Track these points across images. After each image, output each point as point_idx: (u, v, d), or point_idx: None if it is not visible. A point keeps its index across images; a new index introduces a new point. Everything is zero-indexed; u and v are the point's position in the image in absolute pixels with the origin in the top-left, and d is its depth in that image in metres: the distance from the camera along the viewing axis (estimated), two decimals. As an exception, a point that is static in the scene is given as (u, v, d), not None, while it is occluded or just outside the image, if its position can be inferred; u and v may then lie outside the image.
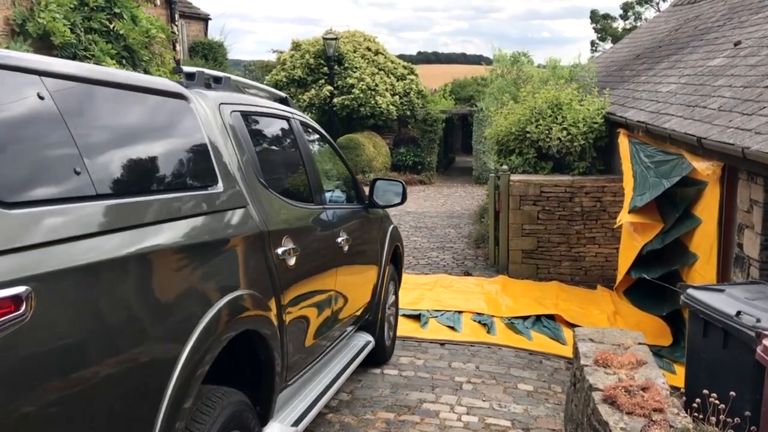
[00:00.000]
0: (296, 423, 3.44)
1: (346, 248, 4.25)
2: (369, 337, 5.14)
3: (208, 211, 2.71)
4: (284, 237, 3.30)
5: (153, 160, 2.55)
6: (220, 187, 2.85)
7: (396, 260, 5.76)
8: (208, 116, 2.99)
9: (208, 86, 3.33)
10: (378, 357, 5.46)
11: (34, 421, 1.72)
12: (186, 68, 3.39)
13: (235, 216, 2.91)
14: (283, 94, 4.51)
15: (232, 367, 2.86)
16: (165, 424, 2.20)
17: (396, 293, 5.90)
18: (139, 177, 2.42)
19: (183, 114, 2.83)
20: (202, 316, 2.44)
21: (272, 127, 3.87)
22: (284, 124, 3.98)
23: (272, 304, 3.07)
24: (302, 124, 4.25)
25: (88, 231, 1.99)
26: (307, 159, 4.10)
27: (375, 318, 5.20)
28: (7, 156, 1.82)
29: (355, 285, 4.60)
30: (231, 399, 2.65)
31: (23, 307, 1.65)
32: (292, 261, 3.32)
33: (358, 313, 4.77)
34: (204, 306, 2.47)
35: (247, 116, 3.40)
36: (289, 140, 4.01)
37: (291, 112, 4.15)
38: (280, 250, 3.21)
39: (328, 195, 4.40)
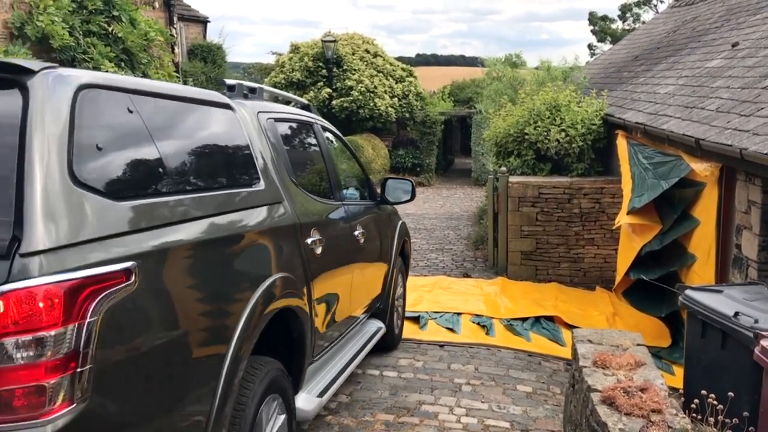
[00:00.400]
0: (321, 394, 3.89)
1: (361, 240, 4.70)
2: (380, 324, 5.52)
3: (254, 205, 3.18)
4: (312, 229, 3.74)
5: (210, 161, 3.03)
6: (261, 184, 3.32)
7: (404, 254, 6.19)
8: (248, 123, 3.44)
9: (245, 96, 3.78)
10: (388, 342, 5.83)
11: (139, 361, 2.21)
12: (228, 81, 3.81)
13: (274, 209, 3.38)
14: (305, 101, 5.02)
15: (269, 344, 3.18)
16: (234, 362, 2.70)
17: (404, 285, 6.33)
18: (202, 176, 2.88)
19: (230, 122, 3.28)
20: (253, 293, 2.91)
21: (299, 132, 4.35)
22: (308, 129, 4.47)
23: (304, 287, 3.52)
24: (323, 128, 4.74)
25: (174, 219, 2.49)
26: (328, 159, 4.58)
27: (385, 306, 5.60)
28: (111, 158, 2.31)
29: (369, 275, 5.03)
30: (273, 366, 3.10)
31: (132, 278, 2.13)
32: (318, 250, 3.76)
33: (371, 301, 5.19)
34: (253, 286, 2.95)
35: (279, 122, 3.87)
36: (312, 143, 4.49)
37: (313, 118, 4.65)
38: (309, 240, 3.66)
39: (344, 192, 4.81)
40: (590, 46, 40.48)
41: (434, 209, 15.01)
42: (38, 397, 1.89)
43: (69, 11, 7.89)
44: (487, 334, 6.72)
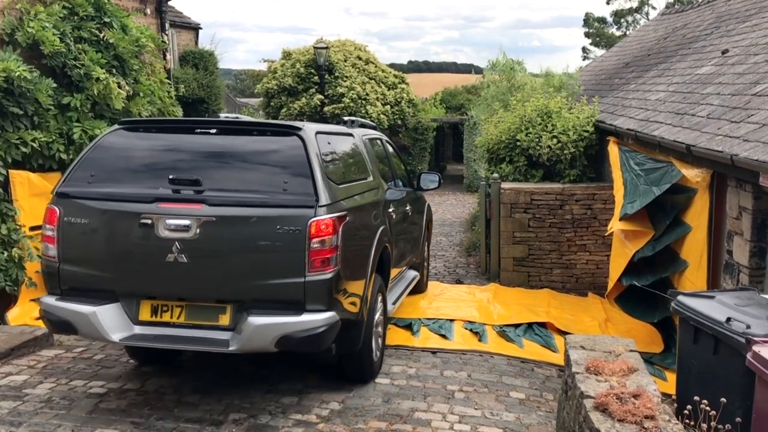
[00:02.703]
0: (393, 303, 6.31)
1: (410, 214, 7.11)
2: (416, 273, 7.71)
3: (370, 189, 5.65)
4: (390, 203, 6.22)
5: (355, 165, 5.65)
6: (370, 178, 5.85)
7: (428, 227, 8.51)
8: (360, 143, 6.01)
9: (351, 125, 6.45)
10: (420, 287, 8.10)
11: (349, 253, 4.75)
12: (345, 117, 6.78)
13: (377, 192, 5.86)
14: (373, 123, 8.11)
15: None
16: (372, 264, 5.23)
17: (428, 249, 8.71)
18: (355, 173, 5.52)
19: (354, 143, 5.89)
20: (376, 232, 5.46)
21: (376, 145, 6.79)
22: (379, 142, 7.03)
23: (390, 236, 5.93)
24: (385, 140, 7.40)
25: (352, 194, 5.07)
26: (390, 160, 7.21)
27: (419, 261, 7.80)
28: (330, 165, 4.87)
29: (412, 237, 7.32)
30: (379, 279, 5.52)
31: (348, 218, 4.72)
32: (394, 216, 6.23)
33: (412, 256, 7.35)
34: (376, 229, 5.49)
35: (369, 140, 6.43)
36: (382, 151, 7.02)
37: (381, 134, 7.37)
38: (390, 210, 6.12)
39: (397, 182, 7.20)
40: (584, 49, 40.56)
41: (427, 216, 14.98)
42: (326, 263, 4.43)
43: (60, 17, 7.85)
44: (479, 340, 6.72)
